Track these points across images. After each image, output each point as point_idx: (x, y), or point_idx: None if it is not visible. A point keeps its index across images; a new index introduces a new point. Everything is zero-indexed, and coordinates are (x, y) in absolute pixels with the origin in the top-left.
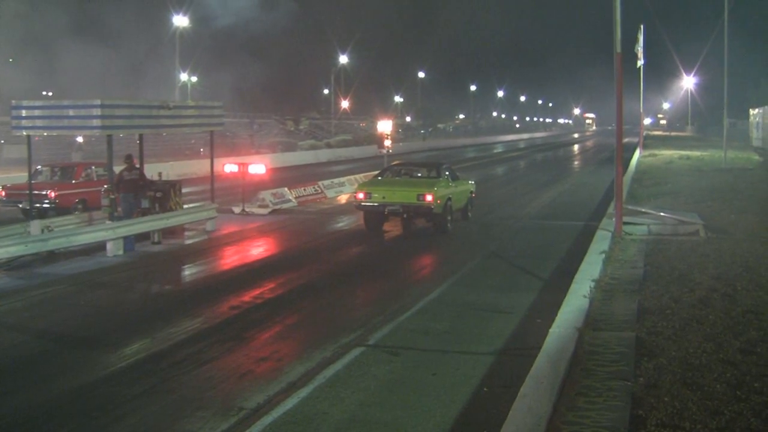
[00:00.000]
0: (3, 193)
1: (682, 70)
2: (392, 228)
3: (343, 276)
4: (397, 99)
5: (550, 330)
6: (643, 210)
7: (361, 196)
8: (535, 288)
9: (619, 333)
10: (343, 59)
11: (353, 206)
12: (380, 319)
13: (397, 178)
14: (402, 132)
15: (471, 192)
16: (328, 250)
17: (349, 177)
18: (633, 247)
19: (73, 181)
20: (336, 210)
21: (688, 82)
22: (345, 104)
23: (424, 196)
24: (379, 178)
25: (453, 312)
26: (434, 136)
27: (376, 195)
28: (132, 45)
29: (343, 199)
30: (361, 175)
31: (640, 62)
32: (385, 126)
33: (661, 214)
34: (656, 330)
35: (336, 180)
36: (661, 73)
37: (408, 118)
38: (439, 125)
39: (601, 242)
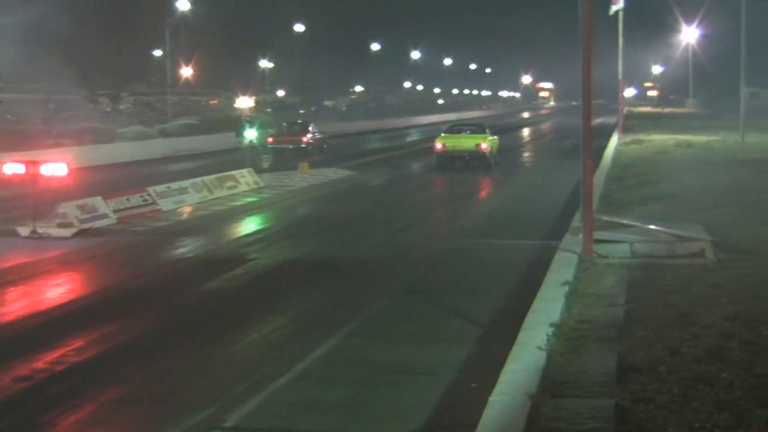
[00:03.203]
0: (271, 140)
1: (681, 19)
2: (264, 253)
3: (188, 326)
4: (265, 65)
5: (491, 398)
6: (625, 222)
7: (439, 146)
8: (468, 337)
9: (591, 401)
10: (184, 5)
11: (434, 152)
12: (243, 388)
13: (458, 134)
14: (272, 112)
15: (497, 144)
16: (166, 287)
17: (195, 180)
18: (610, 276)
19: (309, 133)
20: (177, 228)
21: (689, 35)
22: (187, 73)
23: (479, 145)
24: (444, 134)
25: (350, 376)
26: (320, 118)
27: (448, 145)
28: None
29: (186, 211)
30: (214, 176)
31: (617, 6)
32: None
33: (651, 227)
34: (646, 395)
35: (175, 185)
36: (649, 24)
37: (281, 93)
38: (327, 102)
39: (563, 269)
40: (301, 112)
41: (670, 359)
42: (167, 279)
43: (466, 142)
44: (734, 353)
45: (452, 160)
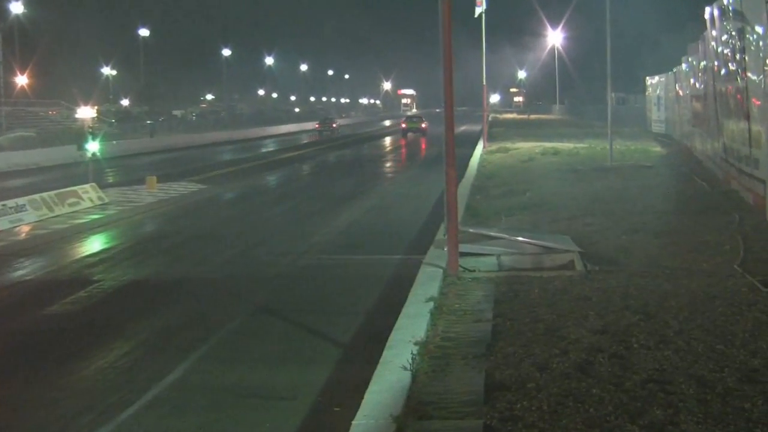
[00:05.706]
0: (318, 125)
1: (546, 23)
2: (109, 273)
3: (29, 353)
4: (108, 72)
5: (354, 422)
6: (492, 234)
7: (403, 125)
8: (328, 358)
9: (458, 422)
10: (18, 8)
11: (400, 128)
12: (89, 418)
13: (412, 120)
14: (117, 124)
15: (428, 124)
16: (3, 312)
17: (33, 197)
18: (476, 290)
19: (336, 122)
20: (14, 249)
21: (554, 38)
22: (23, 81)
23: (421, 125)
24: (405, 119)
25: (204, 402)
26: (168, 130)
27: (408, 125)
28: None
29: (24, 231)
30: (54, 193)
31: (480, 9)
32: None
33: (518, 238)
34: (514, 414)
35: (11, 202)
36: (514, 28)
37: (126, 102)
38: (176, 112)
39: (427, 284)
40: (149, 122)
41: (539, 376)
42: (4, 304)
43: (415, 124)
44: (603, 368)
45: (408, 131)
